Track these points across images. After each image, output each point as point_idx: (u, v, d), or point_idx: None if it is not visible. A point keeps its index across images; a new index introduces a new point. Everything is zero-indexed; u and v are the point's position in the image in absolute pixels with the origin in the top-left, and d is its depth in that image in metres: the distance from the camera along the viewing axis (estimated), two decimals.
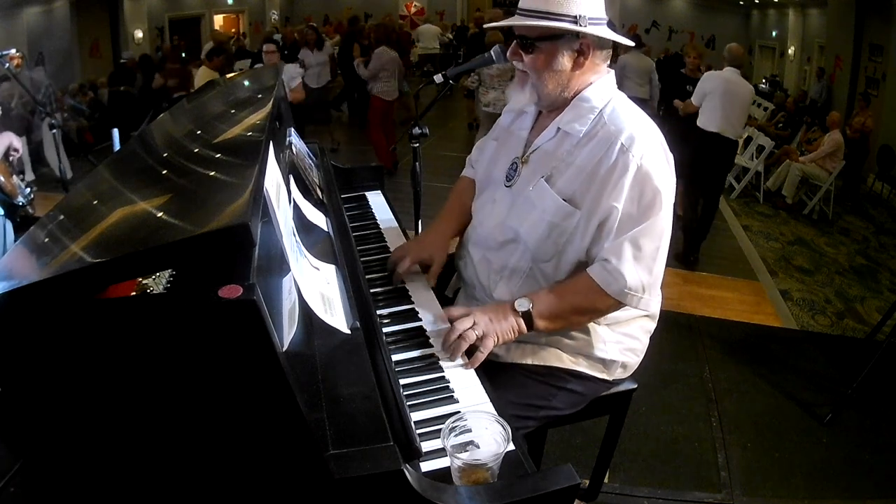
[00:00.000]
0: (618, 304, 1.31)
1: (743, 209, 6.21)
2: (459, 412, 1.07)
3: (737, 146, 4.54)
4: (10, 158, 3.01)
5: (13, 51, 3.58)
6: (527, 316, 1.31)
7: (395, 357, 1.27)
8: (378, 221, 1.91)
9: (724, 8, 11.21)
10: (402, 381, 1.20)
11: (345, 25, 8.97)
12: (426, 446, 1.05)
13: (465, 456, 0.99)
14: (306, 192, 1.57)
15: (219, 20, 11.35)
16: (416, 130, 1.94)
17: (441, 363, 1.27)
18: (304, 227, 1.40)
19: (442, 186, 3.32)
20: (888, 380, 2.81)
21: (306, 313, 1.09)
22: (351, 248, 1.49)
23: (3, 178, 2.90)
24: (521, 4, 1.33)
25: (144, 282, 1.07)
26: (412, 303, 1.47)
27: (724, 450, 2.40)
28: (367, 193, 2.11)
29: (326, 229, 1.51)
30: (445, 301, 1.57)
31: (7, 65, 3.40)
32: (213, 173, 1.11)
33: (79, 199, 1.17)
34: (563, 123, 1.36)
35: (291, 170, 1.54)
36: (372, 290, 1.48)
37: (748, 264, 4.82)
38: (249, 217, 0.81)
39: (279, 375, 0.82)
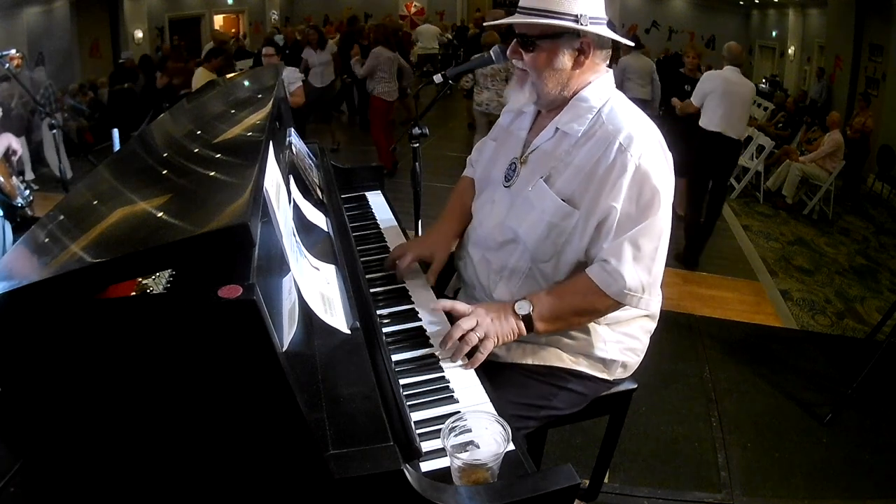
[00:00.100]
0: (617, 305, 1.31)
1: (743, 209, 6.21)
2: (459, 412, 1.07)
3: (740, 146, 4.50)
4: (11, 159, 3.01)
5: (13, 51, 3.59)
6: (527, 319, 1.31)
7: (395, 357, 1.27)
8: (378, 221, 1.91)
9: (724, 8, 11.20)
10: (402, 381, 1.20)
11: (345, 25, 8.97)
12: (426, 446, 1.05)
13: (465, 456, 0.99)
14: (306, 192, 1.57)
15: (219, 20, 11.34)
16: (416, 130, 1.94)
17: (441, 363, 1.27)
18: (304, 227, 1.40)
19: (442, 186, 3.32)
20: (888, 380, 2.81)
21: (306, 313, 1.09)
22: (351, 248, 1.49)
23: (2, 179, 2.90)
24: (521, 3, 1.33)
25: (144, 282, 1.07)
26: (412, 303, 1.47)
27: (724, 450, 2.40)
28: (367, 193, 2.11)
29: (326, 229, 1.51)
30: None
31: (7, 65, 3.40)
32: (213, 173, 1.11)
33: (79, 199, 1.17)
34: (562, 124, 1.36)
35: (291, 170, 1.54)
36: (372, 290, 1.48)
37: (748, 264, 4.82)
38: (249, 217, 0.81)
39: (279, 375, 0.82)
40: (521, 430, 1.33)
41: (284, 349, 0.95)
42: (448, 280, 1.64)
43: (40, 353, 0.83)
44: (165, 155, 1.32)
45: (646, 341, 1.49)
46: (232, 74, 3.42)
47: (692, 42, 10.36)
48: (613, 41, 1.35)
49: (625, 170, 1.25)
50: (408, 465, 0.90)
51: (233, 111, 1.61)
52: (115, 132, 2.97)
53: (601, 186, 1.27)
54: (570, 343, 1.40)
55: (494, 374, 1.31)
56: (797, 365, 3.12)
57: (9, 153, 2.98)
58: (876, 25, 7.39)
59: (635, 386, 1.53)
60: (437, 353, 1.30)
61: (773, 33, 10.65)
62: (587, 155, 1.30)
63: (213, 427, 0.89)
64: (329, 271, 1.30)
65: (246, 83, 2.10)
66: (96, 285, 0.85)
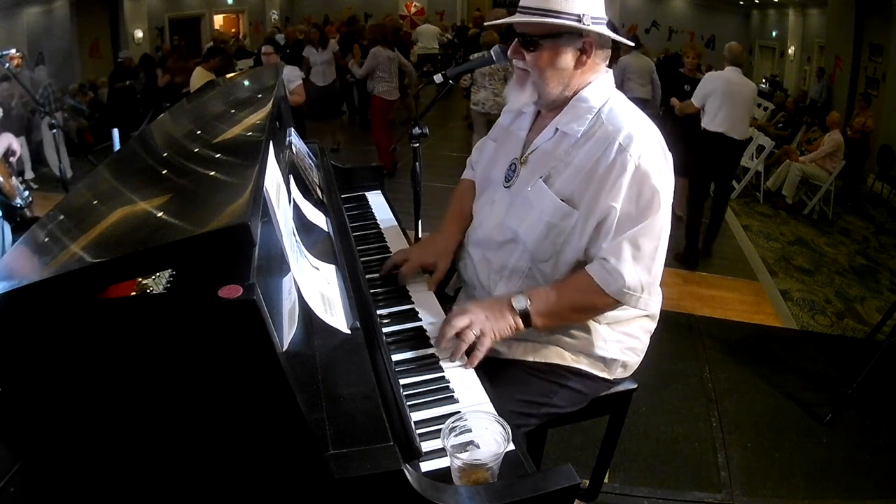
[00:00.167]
0: (616, 304, 1.31)
1: (743, 209, 6.21)
2: (459, 412, 1.07)
3: (742, 146, 4.50)
4: (10, 159, 3.01)
5: (13, 51, 3.59)
6: (524, 314, 1.31)
7: (395, 357, 1.27)
8: (378, 221, 1.91)
9: (724, 8, 11.21)
10: (402, 381, 1.20)
11: (344, 26, 8.97)
12: (426, 446, 1.05)
13: (465, 456, 0.99)
14: (306, 192, 1.57)
15: (219, 20, 11.35)
16: (416, 130, 1.94)
17: (441, 363, 1.27)
18: (304, 227, 1.40)
19: (442, 186, 3.32)
20: (888, 380, 2.81)
21: (306, 313, 1.09)
22: (351, 248, 1.49)
23: (1, 180, 2.91)
24: (522, 2, 1.33)
25: (144, 282, 1.07)
26: (412, 303, 1.47)
27: (724, 450, 2.40)
28: (367, 193, 2.11)
29: (326, 229, 1.51)
30: (446, 301, 1.57)
31: (7, 65, 3.40)
32: (213, 173, 1.11)
33: (79, 199, 1.17)
34: (562, 124, 1.36)
35: (291, 170, 1.54)
36: (372, 290, 1.48)
37: (748, 264, 4.82)
38: (249, 217, 0.81)
39: (279, 375, 0.82)
40: (522, 427, 1.33)
41: (284, 349, 0.95)
42: (448, 280, 1.64)
43: (40, 353, 0.83)
44: (165, 155, 1.32)
45: (646, 341, 1.49)
46: (232, 74, 3.42)
47: (692, 42, 10.36)
48: (612, 41, 1.35)
49: (624, 169, 1.25)
50: (408, 465, 0.90)
51: (233, 111, 1.61)
52: (115, 132, 2.98)
53: (601, 186, 1.27)
54: (571, 341, 1.40)
55: (496, 371, 1.31)
56: (797, 365, 3.12)
57: (8, 153, 2.98)
58: (876, 25, 7.39)
59: (635, 386, 1.53)
60: (437, 353, 1.29)
61: (773, 33, 10.65)
62: (587, 155, 1.30)
63: (213, 427, 0.89)
64: (329, 271, 1.30)
65: (246, 83, 2.10)
66: (96, 285, 0.85)
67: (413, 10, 12.88)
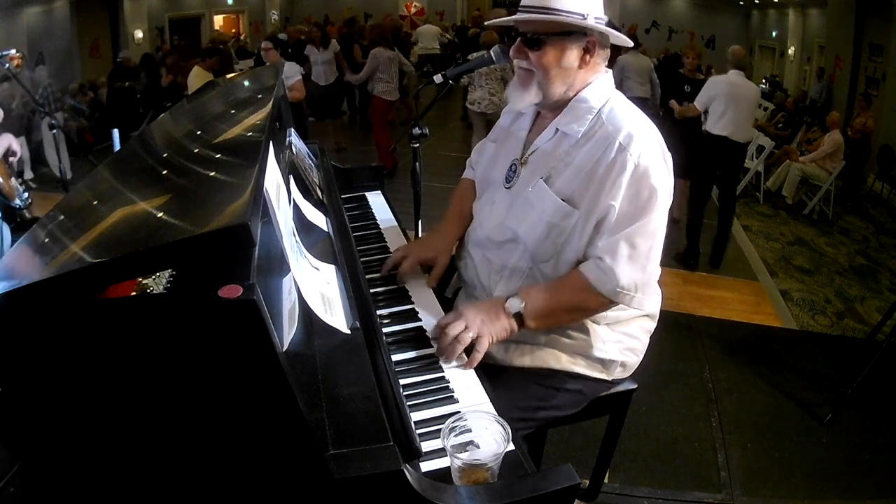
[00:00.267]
0: (610, 303, 1.31)
1: (743, 209, 6.21)
2: (459, 412, 1.07)
3: (745, 149, 4.50)
4: (10, 160, 3.01)
5: (13, 51, 3.59)
6: (518, 316, 1.31)
7: (395, 357, 1.27)
8: (378, 221, 1.91)
9: (724, 8, 11.21)
10: (402, 381, 1.20)
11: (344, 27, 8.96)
12: (426, 446, 1.05)
13: (465, 456, 0.99)
14: (306, 192, 1.57)
15: (219, 20, 11.35)
16: (416, 130, 1.94)
17: (441, 363, 1.27)
18: (304, 227, 1.40)
19: (442, 186, 3.32)
20: (888, 380, 2.81)
21: (306, 313, 1.09)
22: (351, 248, 1.49)
23: (1, 180, 2.91)
24: (524, 1, 1.33)
25: (144, 282, 1.07)
26: (412, 303, 1.47)
27: (724, 450, 2.40)
28: (367, 193, 2.11)
29: (326, 229, 1.51)
30: (445, 301, 1.57)
31: (7, 65, 3.40)
32: (213, 173, 1.11)
33: (79, 199, 1.17)
34: (562, 125, 1.36)
35: (291, 170, 1.54)
36: (372, 290, 1.48)
37: (748, 264, 4.82)
38: (249, 217, 0.81)
39: (279, 375, 0.82)
40: (522, 431, 1.33)
41: (284, 349, 0.95)
42: (448, 280, 1.64)
43: (40, 353, 0.83)
44: (165, 155, 1.32)
45: (645, 341, 1.49)
46: (232, 74, 3.42)
47: (692, 42, 10.35)
48: (612, 42, 1.35)
49: (624, 168, 1.25)
50: (408, 465, 0.90)
51: (233, 111, 1.61)
52: (115, 132, 2.98)
53: (601, 185, 1.27)
54: (568, 343, 1.40)
55: (493, 377, 1.31)
56: (797, 365, 3.12)
57: (8, 154, 2.99)
58: (876, 25, 7.39)
59: (635, 386, 1.53)
60: (437, 353, 1.29)
61: (773, 33, 10.65)
62: (587, 155, 1.30)
63: (213, 427, 0.89)
64: (329, 271, 1.30)
65: (246, 83, 2.10)
66: (96, 285, 0.85)
67: (413, 10, 12.88)
